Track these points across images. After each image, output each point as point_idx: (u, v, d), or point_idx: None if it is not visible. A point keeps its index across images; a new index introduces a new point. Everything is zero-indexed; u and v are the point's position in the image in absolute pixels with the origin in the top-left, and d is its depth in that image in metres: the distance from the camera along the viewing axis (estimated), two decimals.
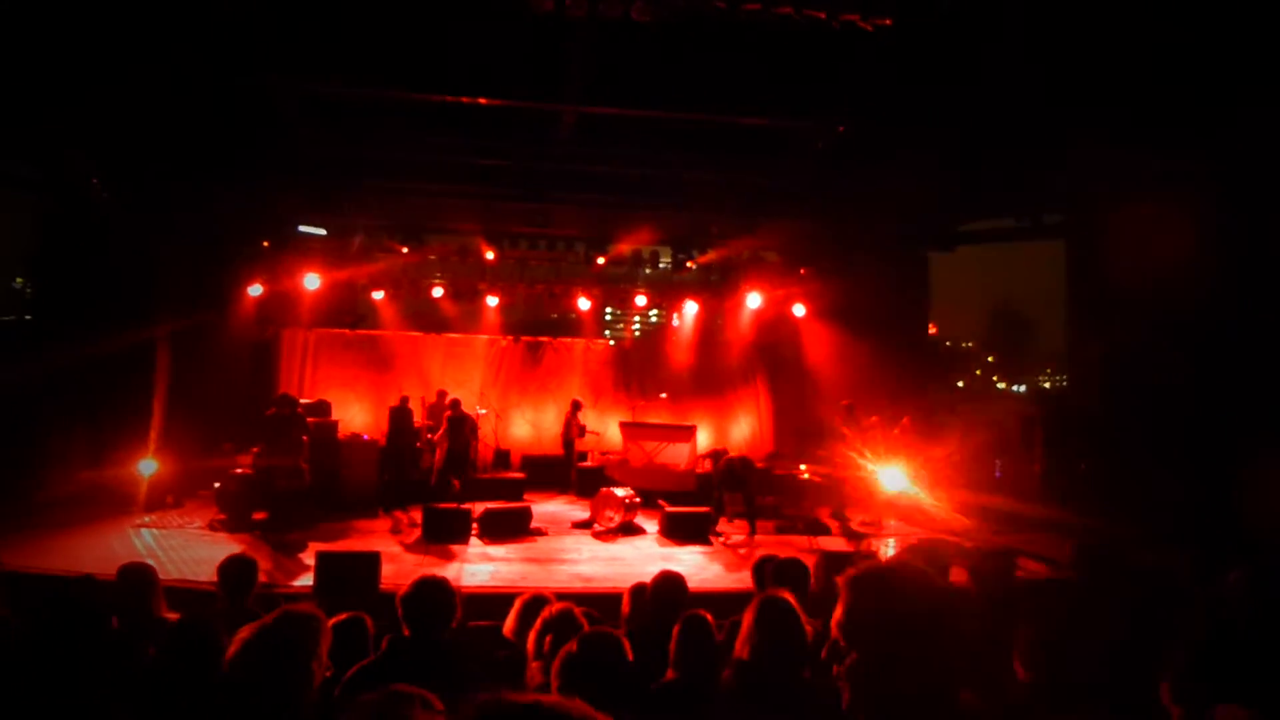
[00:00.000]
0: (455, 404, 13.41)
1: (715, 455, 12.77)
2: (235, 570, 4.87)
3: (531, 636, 3.86)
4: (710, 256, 17.11)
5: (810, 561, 5.42)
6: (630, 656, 3.20)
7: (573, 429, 15.33)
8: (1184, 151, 10.40)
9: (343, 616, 4.03)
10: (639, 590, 4.89)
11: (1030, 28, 9.16)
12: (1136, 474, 11.46)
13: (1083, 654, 3.46)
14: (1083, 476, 13.04)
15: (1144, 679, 3.15)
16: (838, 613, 1.78)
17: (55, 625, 3.49)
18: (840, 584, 1.81)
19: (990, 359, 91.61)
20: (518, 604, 4.35)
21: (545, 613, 3.94)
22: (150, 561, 4.80)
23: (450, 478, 12.87)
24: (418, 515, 11.56)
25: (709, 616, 4.13)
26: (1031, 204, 14.62)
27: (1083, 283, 14.00)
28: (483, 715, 1.06)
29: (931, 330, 23.62)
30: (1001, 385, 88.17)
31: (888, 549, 11.22)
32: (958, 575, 5.09)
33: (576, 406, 15.54)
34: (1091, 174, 11.59)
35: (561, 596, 4.44)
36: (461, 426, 13.17)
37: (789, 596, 3.21)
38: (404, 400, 14.11)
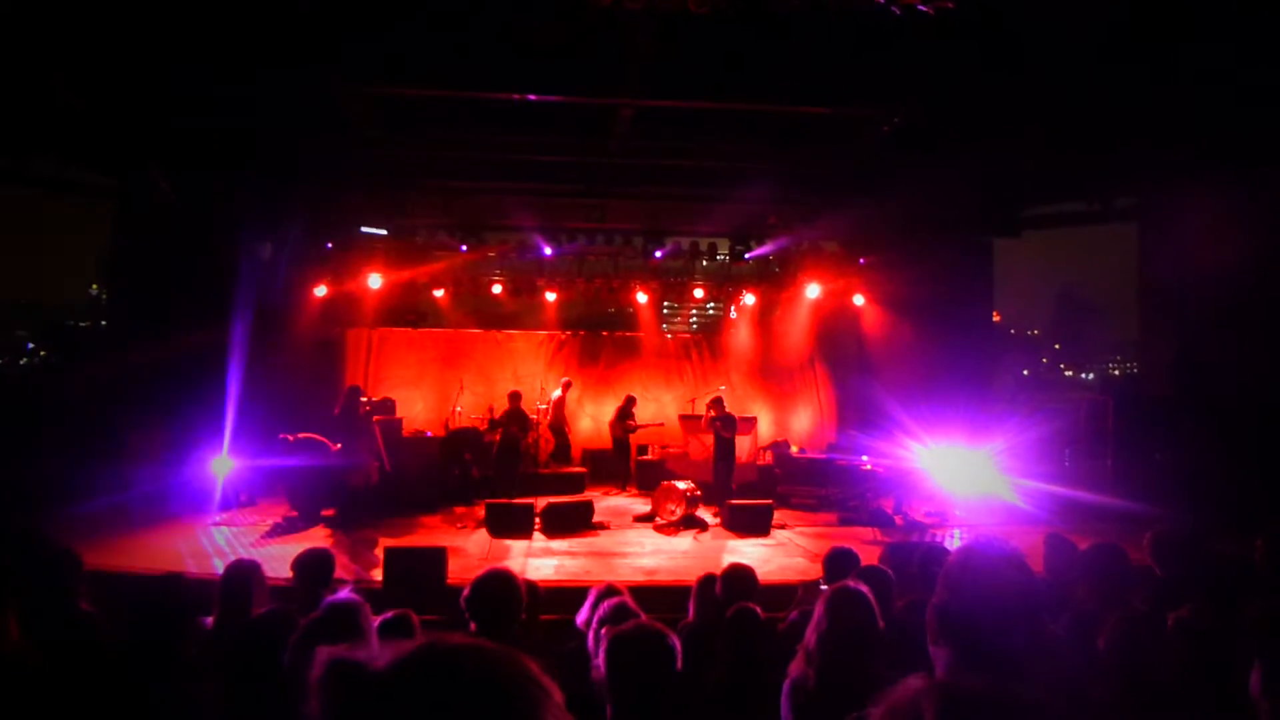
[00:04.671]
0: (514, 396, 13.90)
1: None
2: (311, 564, 4.89)
3: (590, 631, 3.85)
4: (769, 247, 16.99)
5: (874, 553, 5.36)
6: (679, 651, 3.13)
7: (619, 425, 15.35)
8: (1261, 130, 10.07)
9: (389, 614, 3.83)
10: (707, 582, 4.87)
11: (1098, 7, 8.91)
12: (1212, 463, 11.13)
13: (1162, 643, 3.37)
14: (1157, 466, 12.70)
15: (1229, 669, 3.06)
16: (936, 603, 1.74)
17: (145, 622, 3.59)
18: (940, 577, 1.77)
19: (1057, 346, 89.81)
20: (591, 596, 4.36)
21: (602, 607, 3.90)
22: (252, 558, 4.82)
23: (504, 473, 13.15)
24: (481, 511, 11.67)
25: (759, 610, 4.09)
26: (1102, 187, 14.25)
27: (1156, 266, 13.63)
28: (419, 658, 0.96)
29: (995, 318, 23.19)
30: (1069, 373, 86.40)
31: (954, 541, 11.04)
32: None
33: (630, 401, 15.57)
34: (1165, 154, 11.26)
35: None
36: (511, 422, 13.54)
37: (863, 588, 3.17)
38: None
